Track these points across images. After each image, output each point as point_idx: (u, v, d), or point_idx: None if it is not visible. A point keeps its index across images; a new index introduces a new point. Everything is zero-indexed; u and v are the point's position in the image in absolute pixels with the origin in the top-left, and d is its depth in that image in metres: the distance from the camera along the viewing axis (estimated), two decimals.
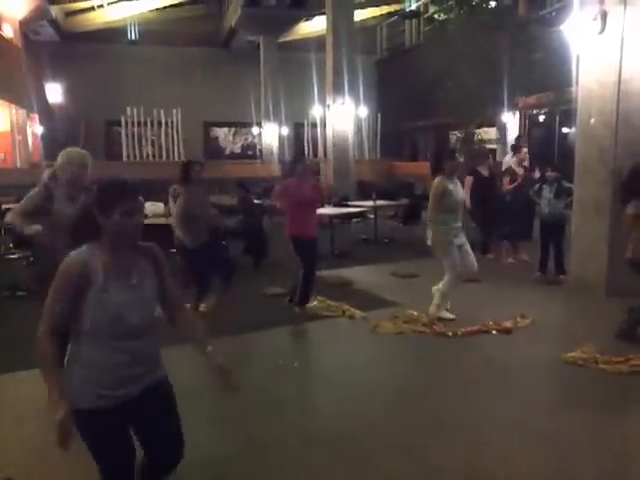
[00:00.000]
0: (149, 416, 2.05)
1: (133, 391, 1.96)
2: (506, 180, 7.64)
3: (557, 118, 14.19)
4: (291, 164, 5.62)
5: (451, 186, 5.09)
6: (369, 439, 3.18)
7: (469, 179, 7.52)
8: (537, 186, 6.80)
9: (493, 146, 15.19)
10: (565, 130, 13.50)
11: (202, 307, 5.28)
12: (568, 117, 11.56)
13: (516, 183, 7.48)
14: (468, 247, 5.25)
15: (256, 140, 23.61)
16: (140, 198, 1.97)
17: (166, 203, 7.00)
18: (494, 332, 4.88)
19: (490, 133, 15.44)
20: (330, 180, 14.42)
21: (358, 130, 16.95)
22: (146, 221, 2.06)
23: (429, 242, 5.23)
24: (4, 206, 10.08)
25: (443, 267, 5.21)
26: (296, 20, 20.60)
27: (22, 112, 16.67)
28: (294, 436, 3.24)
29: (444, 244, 5.10)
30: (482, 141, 14.34)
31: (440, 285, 5.21)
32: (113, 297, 1.86)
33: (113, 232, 1.89)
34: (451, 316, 5.20)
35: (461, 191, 5.29)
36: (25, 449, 3.15)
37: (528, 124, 15.30)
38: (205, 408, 3.51)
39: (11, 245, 7.26)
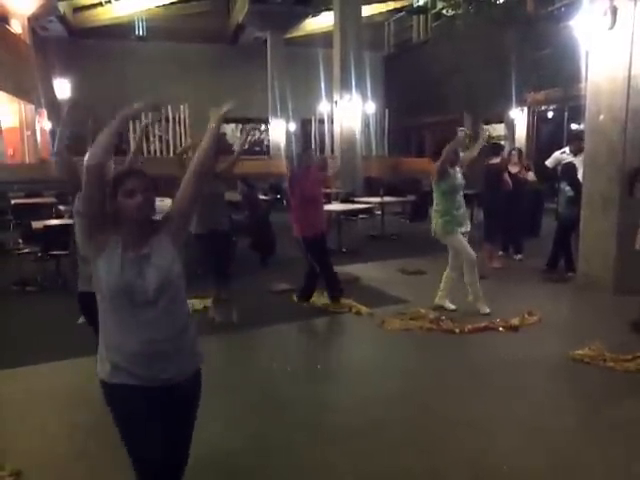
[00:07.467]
0: (161, 412, 2.02)
1: (148, 375, 1.93)
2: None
3: (566, 114, 14.10)
4: (298, 156, 5.79)
5: (451, 170, 5.07)
6: (376, 435, 3.19)
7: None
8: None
9: (501, 142, 15.14)
10: (574, 126, 13.41)
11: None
12: (577, 113, 11.48)
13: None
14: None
15: (263, 136, 23.61)
16: (143, 178, 1.96)
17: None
18: (501, 329, 4.87)
19: (498, 129, 15.38)
20: (337, 176, 14.35)
21: (366, 126, 16.87)
22: (153, 218, 2.03)
23: (433, 233, 5.24)
24: (13, 201, 10.16)
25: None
26: (303, 16, 20.59)
27: (31, 108, 16.72)
28: (302, 432, 3.26)
29: (449, 231, 5.10)
30: (490, 137, 14.29)
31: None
32: (125, 267, 1.90)
33: (120, 214, 1.93)
34: (453, 306, 5.29)
35: (460, 176, 5.20)
36: (33, 443, 3.17)
37: (536, 120, 15.21)
38: (213, 404, 3.53)
39: (20, 240, 7.29)
